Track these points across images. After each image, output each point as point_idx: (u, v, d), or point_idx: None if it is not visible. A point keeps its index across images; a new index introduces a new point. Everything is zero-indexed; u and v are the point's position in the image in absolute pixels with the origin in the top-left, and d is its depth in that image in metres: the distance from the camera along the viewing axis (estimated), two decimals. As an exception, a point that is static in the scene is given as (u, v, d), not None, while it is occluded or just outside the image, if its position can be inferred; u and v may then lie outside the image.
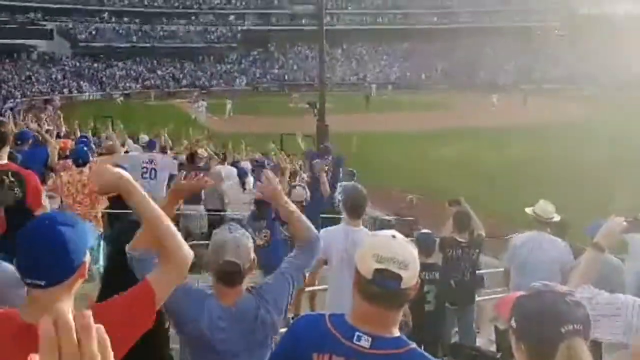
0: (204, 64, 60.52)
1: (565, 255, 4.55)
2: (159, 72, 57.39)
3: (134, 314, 1.60)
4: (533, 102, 39.26)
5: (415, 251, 1.67)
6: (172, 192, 2.41)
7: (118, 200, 6.74)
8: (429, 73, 60.76)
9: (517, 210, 5.79)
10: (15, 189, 3.40)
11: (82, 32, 56.91)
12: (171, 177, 7.54)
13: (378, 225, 9.49)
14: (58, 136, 9.98)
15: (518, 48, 62.98)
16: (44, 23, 54.57)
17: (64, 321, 0.68)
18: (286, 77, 59.92)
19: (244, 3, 64.97)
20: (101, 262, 5.17)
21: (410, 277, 1.61)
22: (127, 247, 2.10)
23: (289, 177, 7.83)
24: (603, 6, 64.17)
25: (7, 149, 3.71)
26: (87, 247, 1.54)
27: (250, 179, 9.11)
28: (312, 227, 2.51)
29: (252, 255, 2.28)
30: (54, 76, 50.81)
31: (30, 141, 7.01)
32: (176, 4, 62.45)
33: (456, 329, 5.52)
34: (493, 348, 5.12)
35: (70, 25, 56.73)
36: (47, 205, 3.82)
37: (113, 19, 59.45)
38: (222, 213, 8.57)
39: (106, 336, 0.70)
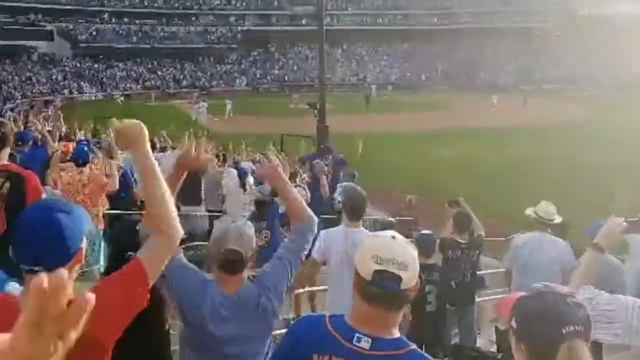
0: (204, 65, 60.45)
1: (566, 255, 4.55)
2: (160, 73, 57.37)
3: (126, 293, 1.59)
4: (533, 103, 39.25)
5: (415, 252, 1.67)
6: (177, 164, 2.40)
7: (118, 201, 6.74)
8: (429, 74, 60.69)
9: (517, 210, 5.79)
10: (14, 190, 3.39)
11: (82, 33, 56.87)
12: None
13: (379, 226, 9.49)
14: (59, 138, 9.96)
15: (518, 49, 62.95)
16: (45, 24, 54.55)
17: (59, 277, 0.68)
18: (286, 78, 59.87)
19: (244, 4, 64.96)
20: (102, 262, 5.16)
21: (409, 278, 1.61)
22: (139, 225, 2.11)
23: (289, 178, 7.81)
24: (603, 7, 64.12)
25: (7, 150, 3.71)
26: (83, 233, 1.55)
27: (250, 180, 9.11)
28: (308, 208, 2.55)
29: (254, 244, 2.31)
30: (54, 77, 50.76)
31: (31, 142, 7.02)
32: (176, 5, 62.47)
33: (457, 330, 5.52)
34: (494, 349, 5.11)
35: (71, 26, 56.66)
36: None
37: (113, 20, 59.42)
38: (222, 213, 8.57)
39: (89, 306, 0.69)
